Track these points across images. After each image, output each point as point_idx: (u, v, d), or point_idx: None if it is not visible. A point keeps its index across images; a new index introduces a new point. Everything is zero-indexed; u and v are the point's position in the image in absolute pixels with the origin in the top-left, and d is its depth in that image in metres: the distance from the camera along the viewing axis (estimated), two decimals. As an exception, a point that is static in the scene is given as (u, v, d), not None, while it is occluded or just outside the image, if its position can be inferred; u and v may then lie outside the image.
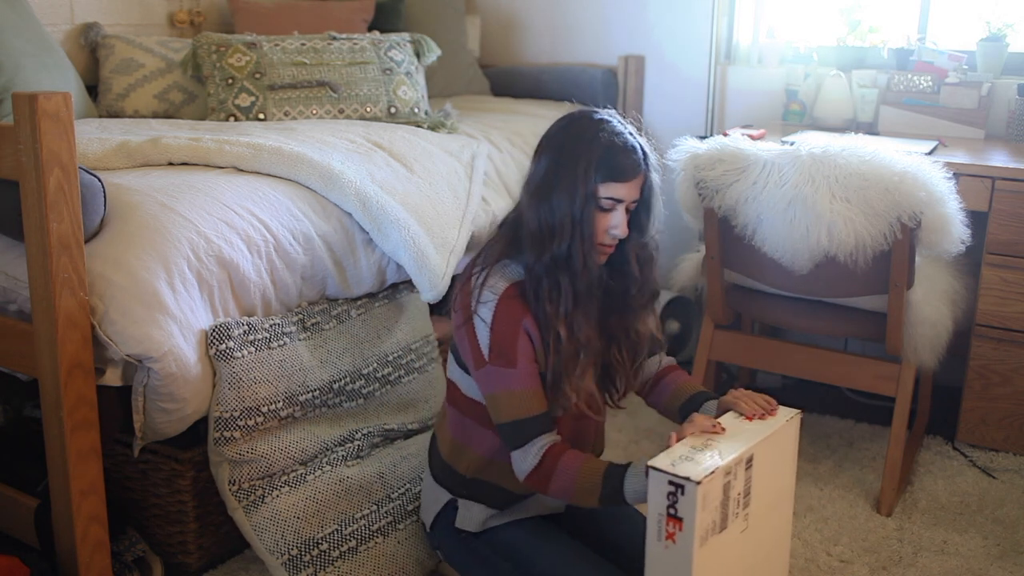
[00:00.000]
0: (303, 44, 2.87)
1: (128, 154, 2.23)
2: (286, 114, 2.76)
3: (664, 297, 3.17)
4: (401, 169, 2.48)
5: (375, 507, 2.07)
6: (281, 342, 2.07)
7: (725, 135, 2.63)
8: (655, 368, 1.89)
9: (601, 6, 3.59)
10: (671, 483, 1.46)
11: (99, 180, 1.84)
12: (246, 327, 2.00)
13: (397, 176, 2.44)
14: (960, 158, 2.60)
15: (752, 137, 2.64)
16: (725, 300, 2.52)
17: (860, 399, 3.04)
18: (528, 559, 1.75)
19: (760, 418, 1.67)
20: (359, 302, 2.34)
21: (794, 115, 3.22)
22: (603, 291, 1.75)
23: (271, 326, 2.06)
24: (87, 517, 1.80)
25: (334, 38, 2.92)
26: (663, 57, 3.50)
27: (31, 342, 1.76)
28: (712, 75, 3.38)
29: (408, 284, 2.46)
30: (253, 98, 2.74)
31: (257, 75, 2.77)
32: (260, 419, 1.99)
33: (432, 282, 2.29)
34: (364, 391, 2.25)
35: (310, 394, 2.10)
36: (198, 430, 1.96)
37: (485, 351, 1.67)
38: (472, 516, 1.82)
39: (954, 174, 2.20)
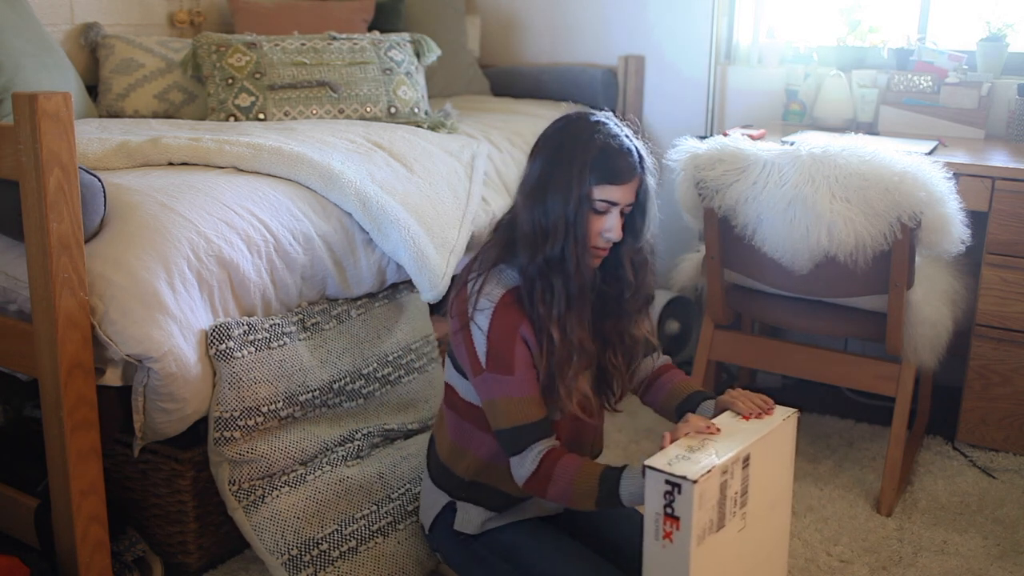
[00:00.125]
0: (303, 44, 2.87)
1: (128, 154, 2.23)
2: (286, 114, 2.76)
3: (664, 297, 3.17)
4: (401, 169, 2.48)
5: (375, 507, 2.07)
6: (281, 342, 2.07)
7: (725, 135, 2.63)
8: (651, 367, 1.89)
9: (601, 6, 3.59)
10: (668, 482, 1.46)
11: (99, 180, 1.84)
12: (246, 327, 2.00)
13: (397, 176, 2.44)
14: (960, 158, 2.60)
15: (752, 137, 2.64)
16: (725, 300, 2.52)
17: (860, 399, 3.03)
18: (528, 560, 1.75)
19: (757, 417, 1.67)
20: (359, 302, 2.34)
21: (794, 115, 3.22)
22: (597, 295, 1.74)
23: (271, 326, 2.06)
24: (87, 517, 1.80)
25: (334, 38, 2.92)
26: (663, 57, 3.50)
27: (31, 342, 1.77)
28: (712, 75, 3.38)
29: (408, 284, 2.46)
30: (253, 98, 2.75)
31: (257, 75, 2.77)
32: (260, 419, 1.99)
33: (432, 282, 2.29)
34: (364, 391, 2.25)
35: (310, 394, 2.10)
36: (198, 430, 1.96)
37: (482, 359, 1.67)
38: (471, 518, 1.82)
39: (954, 174, 2.20)
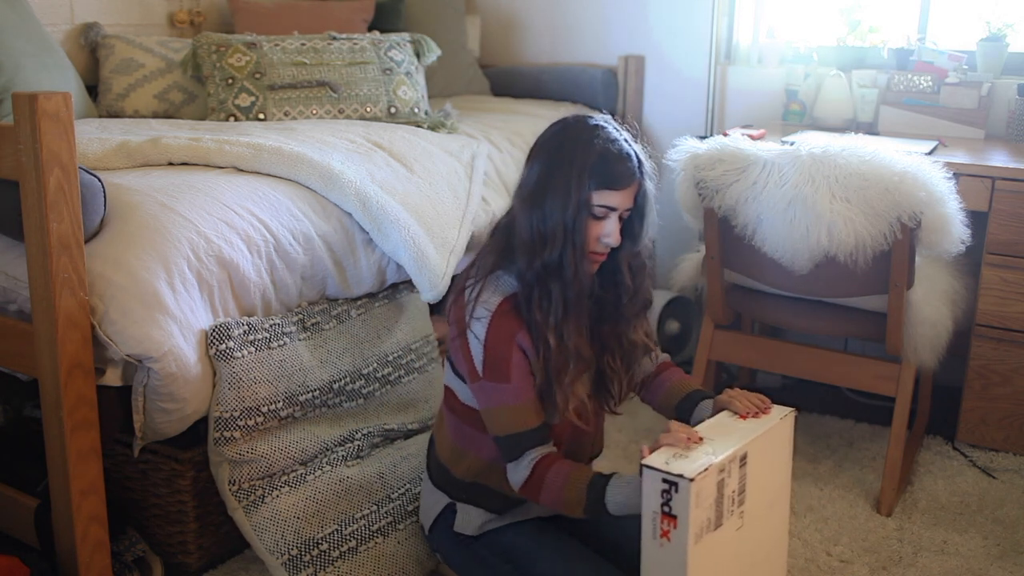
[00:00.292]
0: (303, 44, 2.87)
1: (128, 154, 2.23)
2: (286, 114, 2.77)
3: (664, 297, 3.17)
4: (401, 169, 2.48)
5: (375, 507, 2.07)
6: (281, 342, 2.07)
7: (725, 135, 2.64)
8: (650, 366, 1.89)
9: (601, 6, 3.59)
10: (665, 481, 1.46)
11: (99, 180, 1.84)
12: (246, 327, 2.00)
13: (397, 176, 2.44)
14: (960, 158, 2.60)
15: (752, 137, 2.64)
16: (725, 300, 2.52)
17: (860, 399, 3.03)
18: (528, 560, 1.75)
19: (754, 416, 1.67)
20: (359, 302, 2.34)
21: (794, 115, 3.22)
22: (595, 300, 1.74)
23: (271, 326, 2.06)
24: (87, 517, 1.80)
25: (334, 38, 2.92)
26: (663, 57, 3.50)
27: (31, 342, 1.77)
28: (712, 75, 3.38)
29: (408, 284, 2.46)
30: (253, 98, 2.75)
31: (257, 75, 2.77)
32: (260, 419, 1.99)
33: (432, 282, 2.29)
34: (364, 391, 2.25)
35: (310, 394, 2.10)
36: (198, 430, 1.96)
37: (479, 367, 1.66)
38: (470, 520, 1.82)
39: (954, 174, 2.20)
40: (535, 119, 3.15)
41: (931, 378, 2.78)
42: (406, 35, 3.05)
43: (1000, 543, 2.25)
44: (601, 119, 1.68)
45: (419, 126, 2.85)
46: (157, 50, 2.93)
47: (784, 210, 2.19)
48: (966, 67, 2.97)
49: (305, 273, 2.18)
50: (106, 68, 2.90)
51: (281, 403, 2.03)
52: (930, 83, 2.98)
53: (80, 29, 2.97)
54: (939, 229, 2.15)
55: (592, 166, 1.61)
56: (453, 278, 2.33)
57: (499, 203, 2.70)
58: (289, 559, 1.92)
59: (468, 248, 2.47)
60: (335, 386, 2.16)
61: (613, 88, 3.51)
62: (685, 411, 1.82)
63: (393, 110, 2.86)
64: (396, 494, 2.12)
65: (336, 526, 2.01)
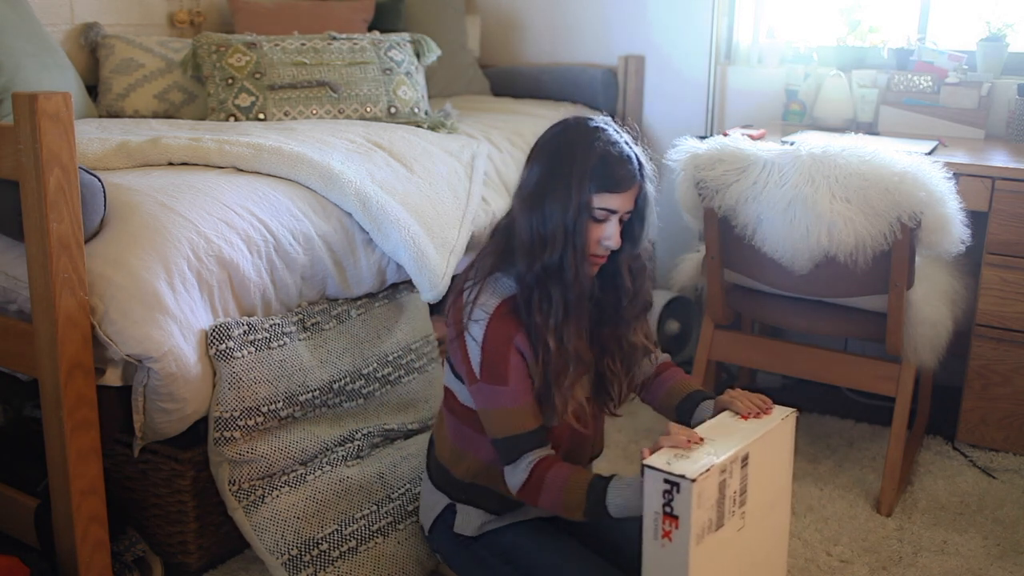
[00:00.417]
0: (303, 44, 2.87)
1: (128, 154, 2.23)
2: (286, 114, 2.76)
3: (664, 297, 3.17)
4: (401, 169, 2.48)
5: (375, 507, 2.07)
6: (281, 342, 2.07)
7: (725, 135, 2.64)
8: (650, 367, 1.89)
9: (601, 6, 3.59)
10: (666, 481, 1.46)
11: (99, 180, 1.84)
12: (246, 327, 2.00)
13: (397, 176, 2.44)
14: (960, 158, 2.60)
15: (752, 137, 2.64)
16: (725, 300, 2.52)
17: (860, 399, 3.03)
18: (528, 561, 1.74)
19: (756, 417, 1.67)
20: (359, 302, 2.34)
21: (794, 115, 3.22)
22: (595, 303, 1.73)
23: (271, 326, 2.06)
24: (87, 517, 1.80)
25: (334, 38, 2.92)
26: (663, 57, 3.50)
27: (31, 342, 1.77)
28: (712, 75, 3.38)
29: (408, 284, 2.46)
30: (253, 98, 2.75)
31: (257, 75, 2.77)
32: (260, 419, 1.99)
33: (432, 282, 2.29)
34: (364, 391, 2.25)
35: (310, 394, 2.10)
36: (198, 430, 1.96)
37: (477, 369, 1.66)
38: (470, 520, 1.82)
39: (954, 174, 2.20)
40: (535, 119, 3.15)
41: (931, 378, 2.78)
42: (406, 35, 3.05)
43: (1000, 543, 2.25)
44: (602, 121, 1.68)
45: (419, 126, 2.85)
46: (157, 50, 2.93)
47: (784, 210, 2.19)
48: (966, 67, 2.97)
49: (305, 273, 2.18)
50: (106, 68, 2.89)
51: (281, 403, 2.03)
52: (930, 83, 2.98)
53: (80, 29, 2.97)
54: (939, 229, 2.15)
55: (593, 169, 1.61)
56: (453, 278, 2.33)
57: (499, 203, 2.70)
58: (289, 559, 1.92)
59: (468, 248, 2.47)
60: (335, 386, 2.16)
61: (613, 88, 3.51)
62: (685, 412, 1.82)
63: (393, 110, 2.86)
64: (396, 494, 2.12)
65: (336, 526, 2.01)
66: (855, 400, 3.04)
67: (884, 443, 2.69)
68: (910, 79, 3.01)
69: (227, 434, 1.93)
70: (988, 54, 2.95)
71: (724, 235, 2.38)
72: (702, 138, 2.39)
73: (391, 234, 2.27)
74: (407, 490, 2.13)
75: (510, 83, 3.65)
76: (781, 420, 1.68)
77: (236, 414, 1.94)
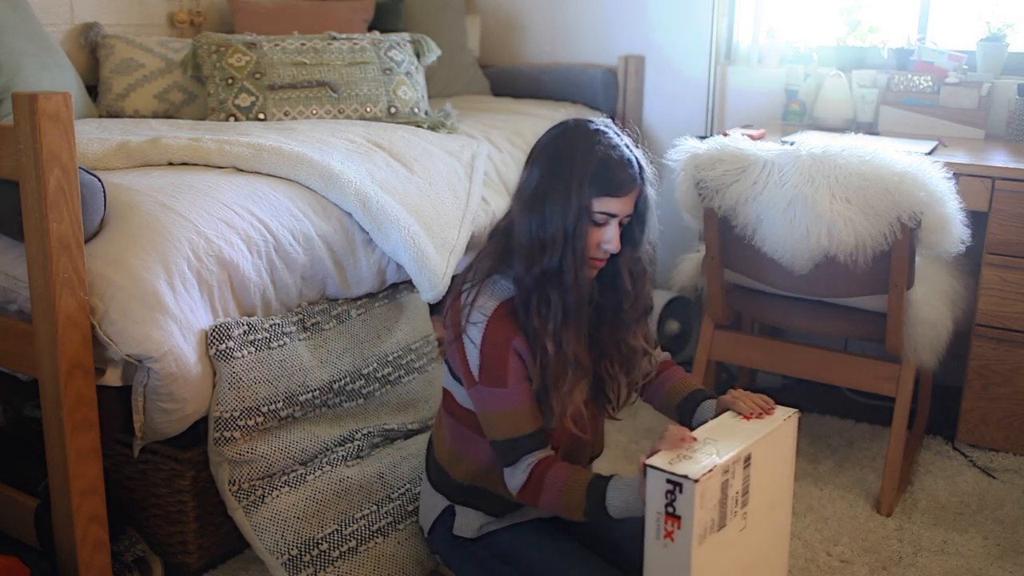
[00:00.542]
0: (303, 44, 2.87)
1: (128, 154, 2.23)
2: (286, 114, 2.76)
3: (664, 297, 3.17)
4: (401, 169, 2.48)
5: (375, 507, 2.07)
6: (281, 342, 2.07)
7: (725, 135, 2.64)
8: (649, 367, 1.88)
9: (601, 6, 3.59)
10: (669, 481, 1.46)
11: (99, 180, 1.84)
12: (246, 327, 2.00)
13: (397, 176, 2.44)
14: (960, 158, 2.60)
15: (752, 137, 2.64)
16: (725, 300, 2.52)
17: (860, 399, 3.03)
18: (528, 562, 1.74)
19: (758, 417, 1.67)
20: (359, 302, 2.34)
21: (794, 115, 3.22)
22: (594, 306, 1.72)
23: (271, 326, 2.06)
24: (87, 517, 1.80)
25: (334, 38, 2.92)
26: (663, 57, 3.50)
27: (31, 342, 1.76)
28: (712, 75, 3.38)
29: (408, 284, 2.46)
30: (253, 98, 2.75)
31: (257, 75, 2.77)
32: (260, 419, 1.99)
33: (432, 282, 2.29)
34: (364, 391, 2.25)
35: (310, 394, 2.10)
36: (198, 430, 1.96)
37: (475, 372, 1.66)
38: (469, 522, 1.82)
39: (954, 174, 2.20)
40: (535, 119, 3.15)
41: (931, 378, 2.78)
42: (406, 35, 3.05)
43: (1000, 543, 2.25)
44: (602, 123, 1.67)
45: (419, 126, 2.85)
46: (157, 50, 2.93)
47: (784, 210, 2.19)
48: (966, 67, 2.97)
49: (305, 273, 2.18)
50: (106, 68, 2.89)
51: (281, 403, 2.03)
52: (930, 83, 2.98)
53: (80, 29, 2.97)
54: (939, 229, 2.15)
55: (593, 173, 1.60)
56: (453, 278, 2.32)
57: (499, 203, 2.70)
58: (289, 559, 1.92)
59: (468, 248, 2.47)
60: (335, 386, 2.16)
61: (613, 88, 3.51)
62: (686, 412, 1.81)
63: (393, 110, 2.86)
64: (396, 494, 2.12)
65: (336, 526, 2.01)
66: (855, 400, 3.04)
67: (884, 443, 2.69)
68: (910, 79, 3.01)
69: (227, 434, 1.93)
70: (988, 54, 2.95)
71: (724, 235, 2.38)
72: (702, 138, 2.38)
73: (391, 234, 2.27)
74: (407, 490, 2.13)
75: (510, 83, 3.65)
76: (783, 420, 1.68)
77: (236, 414, 1.94)
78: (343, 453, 2.13)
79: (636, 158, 1.65)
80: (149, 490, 2.07)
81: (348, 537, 2.00)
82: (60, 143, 1.66)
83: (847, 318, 2.40)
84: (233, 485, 1.95)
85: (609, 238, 1.64)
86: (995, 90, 2.95)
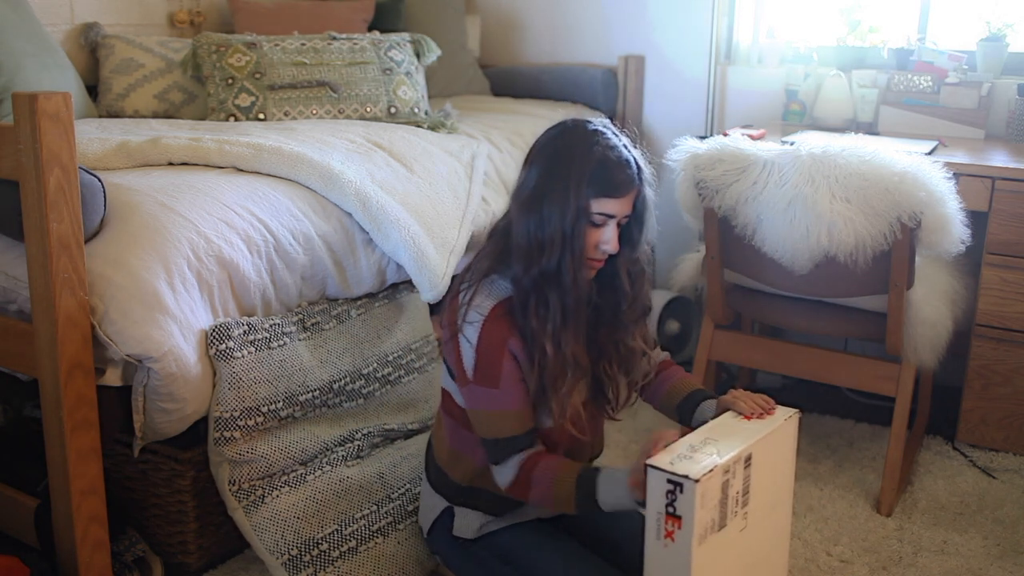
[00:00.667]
0: (303, 44, 2.87)
1: (128, 154, 2.23)
2: (286, 114, 2.76)
3: (664, 297, 3.17)
4: (401, 169, 2.48)
5: (375, 507, 2.07)
6: (281, 342, 2.07)
7: (725, 135, 2.64)
8: (648, 367, 1.87)
9: (601, 6, 3.59)
10: (670, 481, 1.46)
11: (99, 180, 1.84)
12: (246, 327, 2.00)
13: (397, 176, 2.44)
14: (960, 158, 2.60)
15: (752, 137, 2.64)
16: (725, 300, 2.52)
17: (860, 399, 3.03)
18: (527, 561, 1.74)
19: (759, 417, 1.67)
20: (359, 302, 2.34)
21: (794, 115, 3.22)
22: (592, 307, 1.72)
23: (271, 326, 2.06)
24: (87, 517, 1.80)
25: (334, 38, 2.92)
26: (663, 57, 3.50)
27: (31, 342, 1.76)
28: (712, 75, 3.38)
29: (408, 284, 2.46)
30: (253, 98, 2.75)
31: (257, 75, 2.77)
32: (260, 419, 1.99)
33: (432, 282, 2.29)
34: (364, 391, 2.25)
35: (310, 394, 2.10)
36: (198, 430, 1.96)
37: (469, 371, 1.66)
38: (469, 523, 1.81)
39: (954, 174, 2.20)
40: (535, 119, 3.15)
41: (931, 378, 2.78)
42: (406, 35, 3.05)
43: (1000, 543, 2.25)
44: (600, 124, 1.66)
45: (419, 126, 2.85)
46: (157, 50, 2.93)
47: (784, 210, 2.19)
48: (966, 67, 2.97)
49: (305, 273, 2.18)
50: (106, 68, 2.89)
51: (281, 403, 2.03)
52: (930, 83, 2.98)
53: (80, 29, 2.97)
54: (939, 229, 2.15)
55: (591, 174, 1.59)
56: (453, 278, 2.32)
57: (499, 203, 2.69)
58: (289, 559, 1.92)
59: (468, 248, 2.47)
60: (335, 386, 2.16)
61: (613, 88, 3.51)
62: (686, 412, 1.81)
63: (393, 110, 2.86)
64: (396, 494, 2.12)
65: (336, 526, 2.01)
66: (855, 400, 3.04)
67: (884, 443, 2.69)
68: (910, 79, 3.01)
69: (227, 434, 1.93)
70: (988, 54, 2.95)
71: (724, 235, 2.38)
72: (702, 138, 2.38)
73: (391, 234, 2.27)
74: (407, 490, 2.13)
75: (510, 83, 3.65)
76: (784, 421, 1.68)
77: (236, 414, 1.94)
78: (343, 453, 2.13)
79: (634, 159, 1.65)
80: (149, 490, 2.07)
81: (348, 537, 2.00)
82: (60, 143, 1.66)
83: (847, 318, 2.40)
84: (233, 485, 1.95)
85: (607, 239, 1.64)
86: (995, 90, 2.95)
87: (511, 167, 2.85)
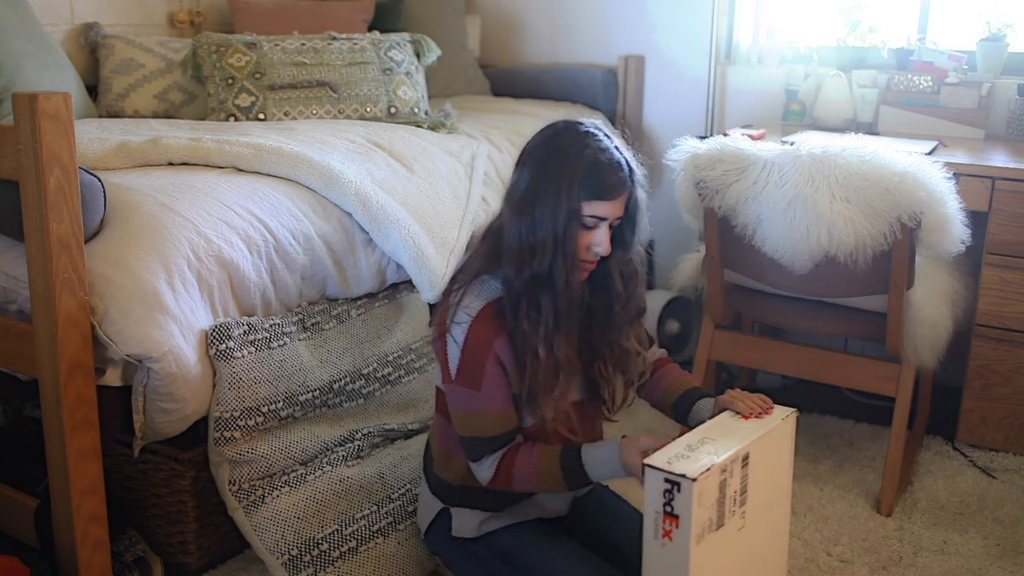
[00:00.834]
0: (303, 44, 2.87)
1: (128, 154, 2.23)
2: (286, 114, 2.76)
3: (664, 297, 3.17)
4: (401, 169, 2.48)
5: (375, 507, 2.07)
6: (281, 342, 2.07)
7: (725, 135, 2.64)
8: (643, 366, 1.86)
9: (601, 6, 3.59)
10: (667, 481, 1.46)
11: (99, 180, 1.84)
12: (246, 327, 2.00)
13: (397, 176, 2.44)
14: (960, 158, 2.60)
15: (752, 137, 2.64)
16: (725, 300, 2.52)
17: (860, 399, 3.03)
18: (527, 561, 1.74)
19: (756, 417, 1.67)
20: (359, 302, 2.34)
21: (794, 115, 3.22)
22: (585, 309, 1.72)
23: (271, 326, 2.06)
24: (87, 517, 1.80)
25: (334, 38, 2.92)
26: (663, 57, 3.50)
27: (31, 342, 1.77)
28: (712, 75, 3.38)
29: (408, 284, 2.46)
30: (253, 98, 2.75)
31: (257, 75, 2.77)
32: (260, 419, 1.99)
33: (432, 282, 2.29)
34: (364, 391, 2.25)
35: (310, 394, 2.10)
36: (198, 430, 1.96)
37: (453, 371, 1.66)
38: (467, 522, 1.82)
39: (954, 174, 2.20)
40: (535, 119, 3.15)
41: (931, 378, 2.78)
42: (406, 35, 3.05)
43: (1000, 543, 2.25)
44: (592, 125, 1.66)
45: (419, 126, 2.85)
46: (157, 50, 2.93)
47: (784, 210, 2.19)
48: (966, 67, 2.97)
49: (305, 273, 2.18)
50: (106, 68, 2.90)
51: (281, 403, 2.03)
52: (930, 83, 2.98)
53: (80, 29, 2.97)
54: (939, 229, 2.15)
55: (583, 176, 1.59)
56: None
57: (499, 203, 2.66)
58: (289, 559, 1.92)
59: (468, 248, 2.47)
60: (335, 386, 2.16)
61: (613, 88, 3.50)
62: (682, 410, 1.81)
63: (393, 110, 2.86)
64: (396, 494, 2.12)
65: (336, 526, 2.01)
66: (855, 400, 3.04)
67: (884, 443, 2.69)
68: (910, 79, 3.01)
69: (227, 434, 1.93)
70: (988, 54, 2.95)
71: (724, 235, 2.38)
72: (702, 138, 2.38)
73: (391, 234, 2.27)
74: (407, 490, 2.13)
75: (510, 83, 3.65)
76: (782, 420, 1.68)
77: (236, 414, 1.94)
78: (343, 453, 2.13)
79: (626, 160, 1.64)
80: (149, 490, 2.07)
81: (348, 537, 2.00)
82: (60, 143, 1.66)
83: (847, 318, 2.40)
84: (233, 485, 1.95)
85: (599, 241, 1.63)
86: (995, 90, 2.95)
87: (511, 167, 2.84)
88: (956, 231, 2.16)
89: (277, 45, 2.84)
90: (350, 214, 2.28)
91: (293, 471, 2.04)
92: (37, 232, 1.68)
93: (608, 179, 1.60)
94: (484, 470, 1.69)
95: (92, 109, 2.83)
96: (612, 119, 3.47)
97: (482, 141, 2.87)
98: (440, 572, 2.06)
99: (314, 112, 2.79)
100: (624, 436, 1.65)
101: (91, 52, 2.97)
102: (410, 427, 2.30)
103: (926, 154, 2.51)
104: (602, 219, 1.62)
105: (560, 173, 1.60)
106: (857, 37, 3.34)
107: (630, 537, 1.76)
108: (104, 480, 1.83)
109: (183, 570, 2.08)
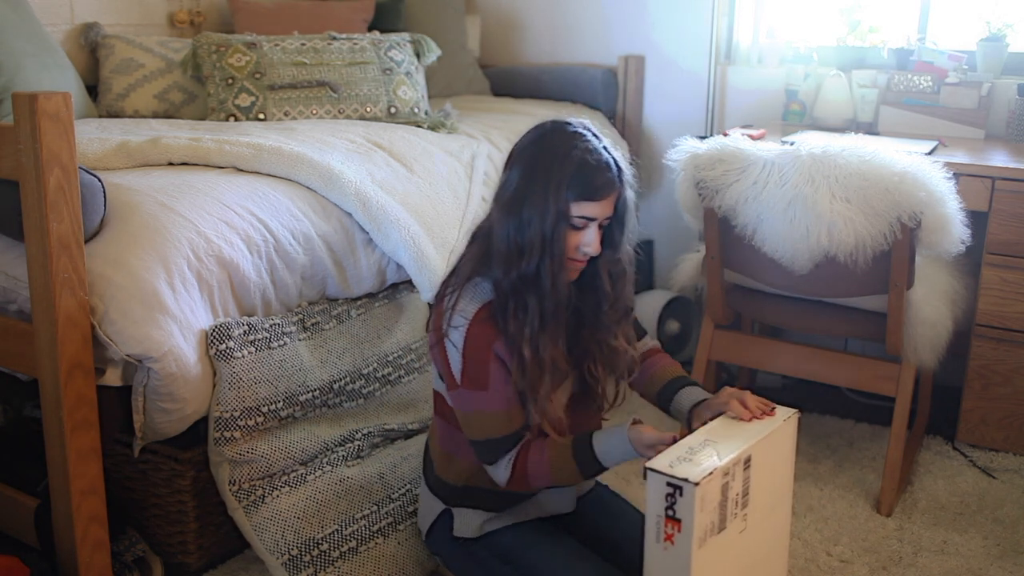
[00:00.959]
0: (303, 44, 2.87)
1: (128, 154, 2.23)
2: (286, 114, 2.76)
3: (664, 297, 3.17)
4: (401, 169, 2.48)
5: (375, 507, 2.07)
6: (281, 342, 2.07)
7: (725, 135, 2.63)
8: (634, 363, 1.84)
9: (601, 6, 3.59)
10: (669, 484, 1.46)
11: (99, 180, 1.84)
12: (246, 327, 2.00)
13: (397, 176, 2.44)
14: (960, 158, 2.59)
15: (752, 137, 2.64)
16: (725, 300, 2.52)
17: (860, 399, 3.03)
18: (528, 561, 1.74)
19: (758, 419, 1.67)
20: (359, 302, 2.34)
21: (794, 115, 3.22)
22: (573, 309, 1.71)
23: (271, 326, 2.06)
24: (87, 517, 1.80)
25: (334, 38, 2.92)
26: (663, 57, 3.50)
27: (31, 342, 1.76)
28: (712, 75, 3.38)
29: (408, 284, 2.46)
30: (253, 98, 2.75)
31: (257, 75, 2.77)
32: (260, 419, 1.99)
33: (432, 282, 2.29)
34: (364, 391, 2.25)
35: (310, 394, 2.10)
36: (198, 430, 1.96)
37: (457, 375, 1.66)
38: (469, 523, 1.81)
39: (954, 174, 2.20)
40: (535, 119, 3.06)
41: (931, 378, 2.78)
42: (406, 35, 3.05)
43: (1000, 543, 2.25)
44: (580, 125, 1.65)
45: (419, 126, 2.85)
46: (157, 50, 2.93)
47: (784, 210, 2.19)
48: (966, 67, 2.97)
49: (305, 273, 2.18)
50: (106, 68, 2.89)
51: (281, 403, 2.03)
52: (930, 83, 2.98)
53: (80, 29, 2.97)
54: (939, 229, 2.15)
55: (571, 177, 1.58)
56: (453, 278, 2.32)
57: (499, 203, 2.69)
58: (289, 559, 1.92)
59: (467, 248, 2.47)
60: (335, 386, 2.16)
61: (613, 88, 3.50)
62: (665, 399, 1.81)
63: (393, 110, 2.86)
64: (396, 494, 2.12)
65: (336, 526, 2.01)
66: (855, 400, 3.04)
67: (884, 443, 2.69)
68: (910, 79, 3.01)
69: (227, 434, 1.93)
70: (988, 54, 2.95)
71: (724, 235, 2.38)
72: (702, 138, 2.38)
73: (391, 234, 2.27)
74: (407, 490, 2.13)
75: (510, 83, 3.65)
76: (783, 422, 1.67)
77: (236, 414, 1.94)
78: (343, 453, 2.13)
79: (615, 160, 1.64)
80: (149, 490, 2.07)
81: (348, 537, 2.00)
82: (60, 143, 1.66)
83: (847, 318, 2.40)
84: (233, 485, 1.95)
85: (588, 241, 1.63)
86: (995, 90, 2.95)
87: (511, 167, 2.85)
88: (956, 231, 2.16)
89: (277, 45, 2.84)
90: (350, 214, 2.28)
91: (293, 471, 2.04)
92: (37, 232, 1.68)
93: (596, 179, 1.60)
94: (501, 472, 1.68)
95: (92, 109, 2.83)
96: (612, 119, 3.46)
97: (482, 141, 2.87)
98: (440, 572, 2.06)
99: (314, 112, 2.79)
100: (634, 421, 1.65)
101: (91, 52, 2.97)
102: (410, 427, 2.30)
103: (926, 154, 2.51)
104: (591, 219, 1.62)
105: (548, 174, 1.59)
106: (857, 37, 3.34)
107: (630, 537, 1.76)
108: (104, 480, 1.83)
109: (183, 570, 2.08)
